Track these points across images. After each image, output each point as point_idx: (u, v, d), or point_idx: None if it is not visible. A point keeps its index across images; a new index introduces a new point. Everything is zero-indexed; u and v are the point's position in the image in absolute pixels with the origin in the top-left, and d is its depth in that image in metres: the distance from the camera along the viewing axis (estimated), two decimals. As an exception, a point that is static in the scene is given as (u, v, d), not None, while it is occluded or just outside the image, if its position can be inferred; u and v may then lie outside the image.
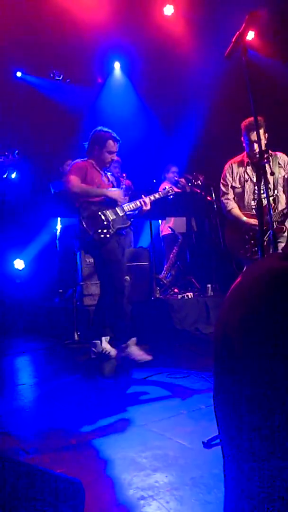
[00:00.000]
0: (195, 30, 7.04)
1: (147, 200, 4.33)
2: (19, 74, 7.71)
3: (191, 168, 6.95)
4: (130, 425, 2.58)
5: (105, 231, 4.01)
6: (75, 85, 7.96)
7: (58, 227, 6.61)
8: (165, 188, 4.66)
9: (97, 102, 8.11)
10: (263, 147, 3.98)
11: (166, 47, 7.22)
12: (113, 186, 4.37)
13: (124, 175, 6.21)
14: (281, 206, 4.05)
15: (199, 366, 3.70)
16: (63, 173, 6.68)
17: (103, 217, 4.05)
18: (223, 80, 6.50)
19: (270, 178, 4.05)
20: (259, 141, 2.52)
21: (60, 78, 7.81)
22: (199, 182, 4.86)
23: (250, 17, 2.71)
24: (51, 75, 7.77)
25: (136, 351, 3.99)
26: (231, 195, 4.28)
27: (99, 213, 4.07)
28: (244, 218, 4.12)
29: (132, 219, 4.37)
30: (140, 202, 4.30)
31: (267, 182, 2.47)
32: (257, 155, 2.50)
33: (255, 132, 3.98)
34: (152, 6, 6.95)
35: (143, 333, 5.27)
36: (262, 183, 2.50)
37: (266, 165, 2.51)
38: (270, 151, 4.03)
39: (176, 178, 6.71)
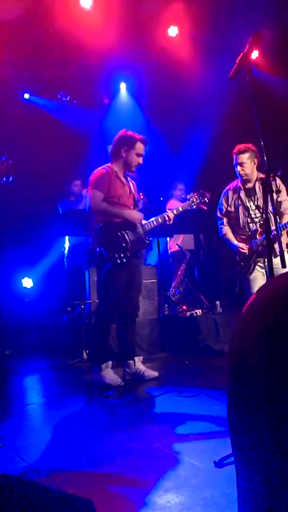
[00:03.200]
0: (199, 50, 7.14)
1: (171, 215, 4.20)
2: (26, 96, 7.85)
3: (197, 186, 7.00)
4: (141, 445, 2.56)
5: (122, 255, 3.92)
6: (82, 106, 8.08)
7: (66, 245, 6.66)
8: (189, 198, 4.52)
9: (103, 123, 8.21)
10: (252, 174, 4.26)
11: (171, 67, 7.32)
12: (133, 198, 4.25)
13: (141, 194, 6.29)
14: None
15: (209, 384, 3.68)
16: (71, 193, 6.76)
17: (122, 239, 3.97)
18: (229, 99, 6.57)
19: (246, 200, 4.31)
20: (263, 158, 2.53)
21: (67, 99, 7.93)
22: (206, 199, 4.89)
23: (253, 38, 2.75)
24: (58, 96, 7.90)
25: (143, 368, 4.09)
26: (225, 220, 4.56)
27: (119, 233, 3.98)
28: (235, 242, 4.45)
29: (150, 239, 4.26)
30: (164, 218, 4.18)
31: (272, 200, 2.48)
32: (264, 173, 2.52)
33: (240, 155, 4.26)
34: (157, 27, 7.06)
35: (152, 351, 5.26)
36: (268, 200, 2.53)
37: (272, 183, 2.53)
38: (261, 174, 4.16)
39: (183, 196, 6.76)
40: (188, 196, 4.57)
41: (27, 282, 7.50)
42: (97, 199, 3.99)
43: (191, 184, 7.21)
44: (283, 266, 2.55)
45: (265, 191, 2.40)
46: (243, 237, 4.40)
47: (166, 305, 6.06)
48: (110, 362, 4.05)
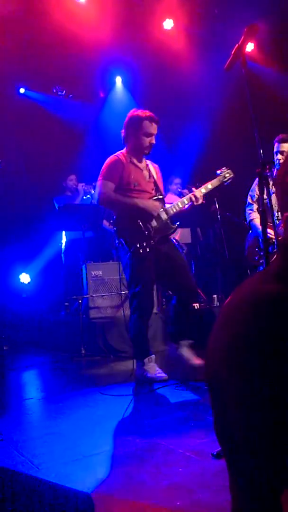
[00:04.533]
0: (195, 43, 7.11)
1: (198, 193, 3.82)
2: (22, 90, 7.81)
3: (194, 180, 6.99)
4: (138, 438, 2.56)
5: (144, 244, 3.64)
6: (78, 100, 8.04)
7: (63, 240, 6.65)
8: (220, 172, 4.02)
9: (99, 117, 8.18)
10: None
11: (166, 60, 7.29)
12: (155, 182, 3.92)
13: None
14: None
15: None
16: (66, 188, 6.75)
17: (144, 227, 3.70)
18: (224, 91, 6.55)
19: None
20: (258, 150, 2.53)
21: (63, 93, 7.90)
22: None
23: (249, 30, 2.74)
24: (54, 90, 7.86)
25: (155, 368, 3.82)
26: (255, 207, 4.52)
27: (139, 221, 3.70)
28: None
29: (178, 223, 3.91)
30: (189, 198, 3.82)
31: (268, 193, 2.48)
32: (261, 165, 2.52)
33: (282, 144, 4.19)
34: (152, 20, 7.02)
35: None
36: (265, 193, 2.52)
37: (269, 175, 2.53)
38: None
39: (179, 190, 6.75)
40: (219, 171, 4.08)
41: (24, 278, 7.50)
42: (106, 190, 3.76)
43: (187, 178, 7.20)
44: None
45: (261, 183, 2.40)
46: (270, 224, 4.31)
47: (164, 299, 6.06)
48: (153, 356, 3.82)
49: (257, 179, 4.44)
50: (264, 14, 6.12)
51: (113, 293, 5.54)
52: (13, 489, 1.22)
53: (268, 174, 2.48)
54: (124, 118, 3.96)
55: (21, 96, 7.81)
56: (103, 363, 4.78)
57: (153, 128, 3.77)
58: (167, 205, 3.89)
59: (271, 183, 4.24)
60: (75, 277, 6.02)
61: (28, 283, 7.51)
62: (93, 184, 6.54)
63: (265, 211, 2.41)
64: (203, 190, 3.87)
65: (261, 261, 4.34)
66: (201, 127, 7.32)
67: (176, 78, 7.44)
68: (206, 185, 3.91)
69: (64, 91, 7.90)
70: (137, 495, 1.91)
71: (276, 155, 4.24)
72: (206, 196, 4.57)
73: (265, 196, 2.46)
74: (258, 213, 4.45)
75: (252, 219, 4.47)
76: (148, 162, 3.99)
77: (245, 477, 0.78)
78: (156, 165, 4.07)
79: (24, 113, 7.43)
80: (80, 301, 5.41)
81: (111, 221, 6.61)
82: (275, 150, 4.25)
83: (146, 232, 3.70)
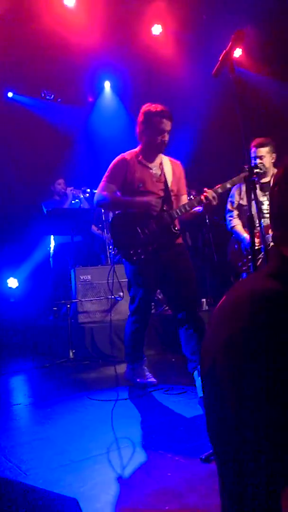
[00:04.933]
0: (183, 48, 7.14)
1: (210, 194, 3.32)
2: (10, 94, 7.79)
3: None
4: (127, 443, 2.56)
5: (139, 251, 3.40)
6: (66, 105, 8.04)
7: (52, 245, 6.63)
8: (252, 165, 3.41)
9: (88, 121, 8.19)
10: (269, 168, 4.23)
11: (155, 65, 7.33)
12: (165, 183, 3.58)
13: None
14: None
15: (194, 381, 3.68)
16: (54, 192, 6.74)
17: (140, 232, 3.43)
18: (213, 97, 6.59)
19: (259, 194, 4.20)
20: (247, 157, 2.55)
21: (51, 97, 7.89)
22: (191, 197, 4.92)
23: (236, 35, 2.76)
24: (42, 95, 7.85)
25: (144, 373, 3.78)
26: (235, 213, 4.51)
27: (136, 225, 3.44)
28: (245, 235, 4.36)
29: (177, 228, 3.54)
30: (199, 200, 3.38)
31: (256, 198, 2.50)
32: (247, 171, 2.54)
33: (259, 149, 4.22)
34: (141, 26, 7.05)
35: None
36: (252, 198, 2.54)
37: (256, 180, 2.54)
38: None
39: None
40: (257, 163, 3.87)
41: (12, 282, 7.46)
42: (104, 192, 3.55)
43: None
44: (267, 262, 2.56)
45: (249, 188, 2.41)
46: (255, 231, 4.32)
47: (153, 304, 6.06)
48: (144, 360, 3.77)
49: (237, 185, 4.48)
50: (252, 20, 6.18)
51: (101, 298, 5.53)
52: (0, 496, 1.21)
53: (255, 179, 2.49)
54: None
55: (9, 100, 7.79)
56: (91, 367, 4.76)
57: (165, 124, 3.48)
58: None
59: (258, 187, 4.28)
60: (64, 281, 6.00)
61: (16, 287, 7.46)
62: (82, 188, 6.53)
63: (252, 216, 2.42)
64: (219, 190, 3.38)
65: (244, 268, 4.32)
66: (189, 132, 7.35)
67: (165, 83, 7.47)
68: (224, 184, 3.40)
69: (53, 95, 7.89)
70: (126, 500, 1.91)
71: (255, 160, 4.26)
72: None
73: (252, 201, 2.47)
74: (239, 219, 4.48)
75: (234, 226, 4.48)
76: (167, 159, 3.70)
77: (236, 479, 0.78)
78: (177, 162, 3.77)
79: (12, 117, 7.41)
80: (68, 305, 5.39)
81: (100, 225, 6.64)
82: (252, 155, 4.27)
83: (143, 237, 3.44)
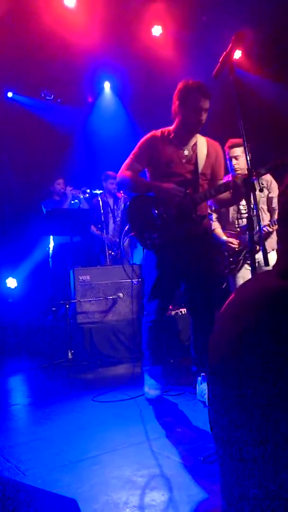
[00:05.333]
0: (183, 49, 7.15)
1: (239, 180, 3.02)
2: (10, 94, 7.79)
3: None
4: (125, 444, 2.56)
5: (154, 236, 3.17)
6: (66, 105, 8.04)
7: (51, 245, 6.63)
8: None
9: (87, 121, 8.19)
10: (245, 169, 4.23)
11: (155, 66, 7.33)
12: (196, 165, 3.28)
13: (121, 192, 6.24)
14: (262, 224, 4.22)
15: (194, 382, 3.69)
16: (54, 192, 6.74)
17: (156, 216, 3.19)
18: (212, 98, 6.60)
19: (258, 195, 4.20)
20: (247, 158, 2.56)
21: (51, 98, 7.90)
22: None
23: (236, 37, 2.77)
24: (42, 95, 7.85)
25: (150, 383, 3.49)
26: (214, 216, 4.50)
27: (153, 209, 3.20)
28: (224, 238, 4.37)
29: (201, 215, 3.24)
30: (229, 185, 3.11)
31: (255, 199, 2.51)
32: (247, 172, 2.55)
33: (234, 149, 4.24)
34: (141, 26, 7.05)
35: (137, 350, 5.26)
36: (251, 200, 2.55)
37: (255, 182, 2.55)
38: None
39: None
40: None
41: (11, 282, 7.45)
42: (127, 172, 3.34)
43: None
44: (266, 264, 2.57)
45: (248, 190, 2.42)
46: (232, 232, 4.36)
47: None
48: (157, 368, 3.47)
49: None
50: (252, 22, 6.19)
51: (100, 298, 5.53)
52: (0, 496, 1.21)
53: (255, 180, 2.49)
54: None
55: (9, 100, 7.79)
56: (90, 368, 4.76)
57: (203, 102, 3.21)
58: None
59: (257, 188, 4.30)
60: (63, 282, 6.00)
61: (15, 287, 7.46)
62: (82, 189, 6.53)
63: (251, 217, 2.42)
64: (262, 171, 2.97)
65: (226, 271, 4.34)
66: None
67: (164, 84, 7.46)
68: (258, 170, 2.91)
69: (52, 96, 7.89)
70: (123, 501, 1.91)
71: (230, 161, 4.26)
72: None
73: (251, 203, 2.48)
74: (219, 221, 4.48)
75: (213, 230, 4.46)
76: (203, 140, 3.41)
77: (239, 479, 0.78)
78: (215, 144, 3.47)
79: (11, 117, 7.41)
80: (67, 306, 5.39)
81: (99, 226, 6.63)
82: (227, 156, 4.28)
83: (159, 222, 3.19)
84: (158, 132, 3.39)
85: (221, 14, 6.38)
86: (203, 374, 3.35)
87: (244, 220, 4.31)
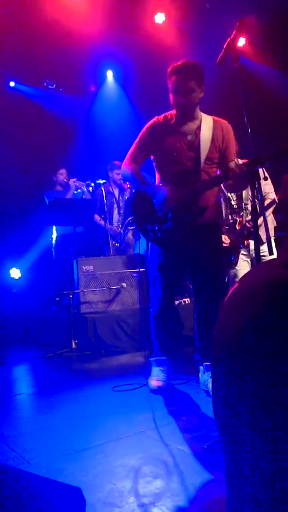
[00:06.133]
0: (186, 37, 7.09)
1: (238, 169, 2.81)
2: (12, 84, 7.75)
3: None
4: (129, 433, 2.57)
5: (156, 228, 3.17)
6: (69, 94, 8.00)
7: (54, 235, 6.62)
8: None
9: (90, 111, 8.15)
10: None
11: (158, 54, 7.26)
12: (198, 150, 3.13)
13: (127, 183, 6.21)
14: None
15: (197, 371, 3.70)
16: (57, 182, 6.72)
17: (157, 206, 3.18)
18: (216, 85, 6.54)
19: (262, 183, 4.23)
20: (250, 146, 2.54)
21: (53, 87, 7.85)
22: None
23: (240, 24, 2.74)
24: (44, 84, 7.81)
25: (154, 374, 3.51)
26: None
27: (154, 200, 3.19)
28: None
29: (202, 207, 3.12)
30: (228, 175, 2.93)
31: (260, 188, 2.49)
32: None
33: None
34: (144, 14, 6.99)
35: (141, 339, 5.28)
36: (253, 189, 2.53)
37: (260, 170, 2.53)
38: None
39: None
40: None
41: (14, 273, 7.47)
42: (130, 165, 3.33)
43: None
44: (270, 253, 2.56)
45: (252, 178, 2.40)
46: (226, 227, 4.41)
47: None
48: (163, 359, 3.48)
49: None
50: (255, 9, 6.12)
51: (104, 288, 5.53)
52: (4, 484, 1.22)
53: (260, 168, 2.47)
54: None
55: (11, 90, 7.75)
56: (94, 358, 4.78)
57: (184, 83, 3.09)
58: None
59: (262, 177, 4.30)
60: (66, 272, 6.00)
61: (19, 278, 7.47)
62: (86, 182, 6.52)
63: (255, 207, 2.41)
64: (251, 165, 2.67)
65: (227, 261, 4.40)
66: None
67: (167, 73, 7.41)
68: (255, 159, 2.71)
69: (55, 85, 7.85)
70: (128, 489, 1.92)
71: None
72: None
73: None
74: None
75: None
76: (209, 122, 3.24)
77: (243, 467, 0.78)
78: (223, 123, 3.28)
79: (14, 107, 7.38)
80: (71, 296, 5.40)
81: (102, 216, 6.62)
82: None
83: (160, 215, 3.16)
84: (161, 118, 3.31)
85: (224, 1, 6.32)
86: (206, 363, 3.35)
87: (236, 216, 4.30)
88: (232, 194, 4.30)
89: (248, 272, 0.95)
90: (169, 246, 3.25)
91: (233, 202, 4.33)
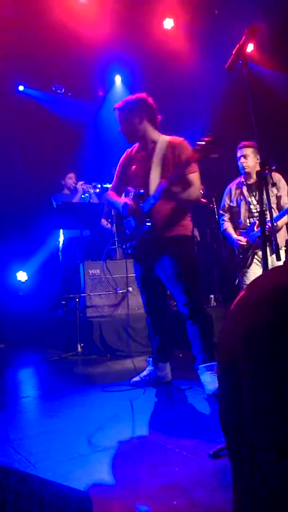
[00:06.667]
0: (195, 42, 7.11)
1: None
2: (21, 88, 7.80)
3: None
4: (134, 438, 2.57)
5: (127, 245, 3.51)
6: (77, 99, 8.04)
7: (61, 239, 6.64)
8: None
9: (98, 115, 8.18)
10: (254, 168, 4.41)
11: (166, 59, 7.30)
12: (147, 172, 3.41)
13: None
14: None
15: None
16: (65, 186, 6.75)
17: (125, 226, 3.55)
18: (225, 91, 6.56)
19: (273, 190, 4.32)
20: (261, 151, 2.54)
21: (62, 91, 7.89)
22: (201, 191, 5.02)
23: (249, 30, 2.75)
24: (53, 88, 7.85)
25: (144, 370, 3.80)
26: (226, 216, 4.71)
27: (124, 220, 3.55)
28: (235, 236, 4.58)
29: (149, 223, 3.32)
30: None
31: (268, 194, 2.50)
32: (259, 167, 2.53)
33: (245, 148, 4.40)
34: (152, 19, 7.02)
35: (147, 344, 5.28)
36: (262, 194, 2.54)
37: (268, 176, 2.53)
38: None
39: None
40: None
41: (21, 276, 7.49)
42: (110, 191, 3.76)
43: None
44: (278, 259, 2.56)
45: (260, 183, 2.40)
46: (243, 231, 4.53)
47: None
48: (148, 359, 3.80)
49: (226, 189, 4.69)
50: (264, 15, 6.13)
51: (110, 292, 5.54)
52: (10, 488, 1.22)
53: (268, 174, 2.48)
54: None
55: (20, 94, 7.80)
56: (99, 362, 4.78)
57: (116, 116, 3.61)
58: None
59: (245, 188, 4.43)
60: (73, 275, 6.02)
61: (25, 281, 7.49)
62: (93, 184, 6.53)
63: (264, 212, 2.40)
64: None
65: (237, 268, 4.57)
66: (201, 126, 7.32)
67: (176, 78, 7.44)
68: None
69: (64, 89, 7.89)
70: (133, 494, 1.91)
71: (239, 159, 4.51)
72: (204, 196, 4.63)
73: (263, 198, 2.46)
74: (231, 221, 4.70)
75: (225, 229, 4.70)
76: (163, 143, 3.45)
77: (250, 474, 0.78)
78: (175, 142, 3.45)
79: (23, 111, 7.42)
80: (77, 299, 5.41)
81: (109, 220, 6.64)
82: (238, 155, 4.52)
83: (128, 232, 3.51)
84: (129, 150, 3.70)
85: (233, 7, 6.34)
86: (201, 366, 3.37)
87: (254, 219, 4.42)
88: (252, 198, 4.46)
89: (256, 279, 0.95)
90: (139, 262, 3.58)
91: (252, 206, 4.47)
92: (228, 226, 4.66)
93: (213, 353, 3.35)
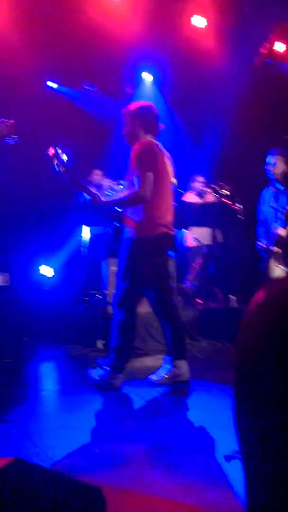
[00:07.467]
0: (224, 41, 7.06)
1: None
2: (54, 85, 7.87)
3: (217, 179, 6.95)
4: (151, 437, 2.59)
5: None
6: (106, 96, 8.08)
7: (86, 235, 6.68)
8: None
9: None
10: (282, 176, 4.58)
11: (195, 58, 7.26)
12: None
13: None
14: None
15: (219, 378, 3.68)
16: (91, 182, 6.79)
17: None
18: (254, 90, 6.50)
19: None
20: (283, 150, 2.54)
21: (92, 89, 7.94)
22: (227, 192, 4.99)
23: (280, 29, 2.74)
24: (84, 86, 7.90)
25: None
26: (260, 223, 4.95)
27: None
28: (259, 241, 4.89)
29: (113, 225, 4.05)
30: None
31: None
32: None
33: (273, 155, 4.53)
34: (182, 18, 7.01)
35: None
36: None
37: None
38: None
39: (201, 188, 6.72)
40: None
41: (47, 271, 7.57)
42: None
43: (211, 177, 7.17)
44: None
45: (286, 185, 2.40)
46: (267, 235, 4.69)
47: (181, 298, 6.05)
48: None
49: (260, 195, 4.84)
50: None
51: (132, 290, 5.55)
52: (26, 480, 1.26)
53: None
54: None
55: (51, 90, 7.87)
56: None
57: None
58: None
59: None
60: (96, 272, 6.05)
61: (52, 276, 7.57)
62: (118, 181, 6.55)
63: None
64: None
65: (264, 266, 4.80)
66: (228, 125, 7.27)
67: (205, 76, 7.40)
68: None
69: (94, 87, 7.93)
70: (149, 492, 1.94)
71: (268, 166, 4.68)
72: (230, 197, 4.74)
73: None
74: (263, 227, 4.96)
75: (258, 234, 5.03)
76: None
77: (263, 479, 0.78)
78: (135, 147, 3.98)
79: (53, 107, 7.49)
80: (99, 296, 5.44)
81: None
82: (267, 161, 4.69)
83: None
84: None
85: (263, 5, 6.27)
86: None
87: (279, 224, 4.58)
88: (277, 204, 4.61)
89: (275, 281, 0.94)
90: None
91: (278, 213, 4.57)
92: (260, 232, 4.91)
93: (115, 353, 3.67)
